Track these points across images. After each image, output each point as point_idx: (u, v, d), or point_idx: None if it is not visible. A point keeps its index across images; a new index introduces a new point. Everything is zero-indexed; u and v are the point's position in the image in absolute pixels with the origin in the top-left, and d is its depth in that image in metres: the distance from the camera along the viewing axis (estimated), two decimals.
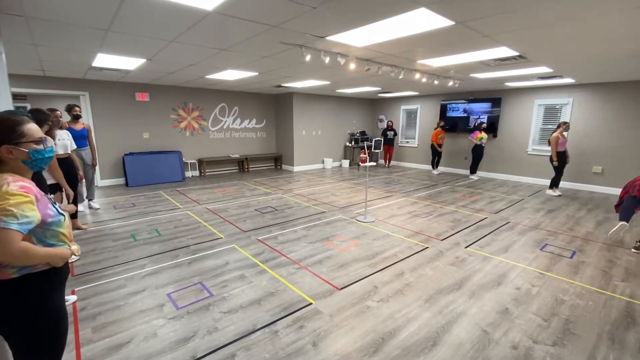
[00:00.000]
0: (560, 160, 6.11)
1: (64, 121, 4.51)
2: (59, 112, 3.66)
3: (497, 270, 3.06)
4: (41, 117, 2.93)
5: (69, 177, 3.80)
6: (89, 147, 4.96)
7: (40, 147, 1.18)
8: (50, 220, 1.16)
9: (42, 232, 1.15)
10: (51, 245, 1.19)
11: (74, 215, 4.07)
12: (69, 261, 1.36)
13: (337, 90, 8.41)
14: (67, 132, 3.88)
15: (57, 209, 1.23)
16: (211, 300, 2.53)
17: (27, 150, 1.14)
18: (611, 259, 3.34)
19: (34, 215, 1.09)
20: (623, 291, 2.71)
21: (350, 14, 2.63)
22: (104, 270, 3.01)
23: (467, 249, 3.59)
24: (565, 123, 6.00)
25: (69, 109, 4.61)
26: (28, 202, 1.07)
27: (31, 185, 1.13)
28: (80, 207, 5.04)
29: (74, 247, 1.34)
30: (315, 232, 4.10)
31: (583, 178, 6.85)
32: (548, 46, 3.60)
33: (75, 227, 4.09)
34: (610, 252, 3.52)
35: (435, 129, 8.61)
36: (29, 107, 7.96)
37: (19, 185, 1.08)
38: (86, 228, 4.17)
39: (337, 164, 10.45)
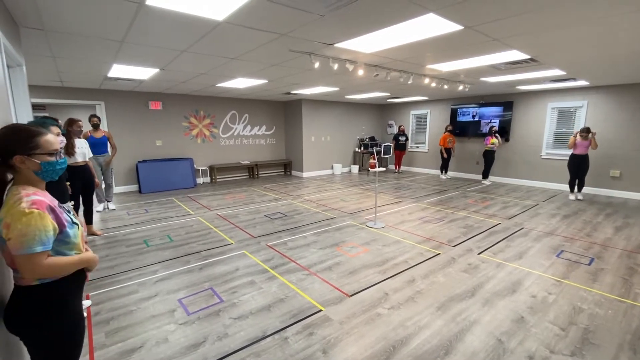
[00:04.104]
0: (570, 164, 6.12)
1: (86, 130, 5.06)
2: (81, 122, 3.82)
3: (512, 278, 2.99)
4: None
5: (86, 183, 3.94)
6: (108, 153, 5.41)
7: (53, 159, 1.19)
8: (64, 230, 1.18)
9: (57, 243, 1.15)
10: (66, 256, 1.21)
11: (89, 221, 4.18)
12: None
13: (346, 96, 8.44)
14: (85, 141, 4.01)
15: (71, 218, 1.24)
16: (221, 306, 2.54)
17: (38, 162, 1.15)
18: (631, 266, 3.23)
19: (52, 228, 1.11)
20: None
21: (358, 21, 2.65)
22: (117, 276, 3.07)
23: (480, 255, 3.52)
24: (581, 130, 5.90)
25: (89, 119, 5.18)
26: (43, 217, 1.09)
27: (43, 197, 1.14)
28: (100, 207, 5.37)
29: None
30: (325, 238, 4.09)
31: (600, 182, 6.66)
32: (560, 49, 3.55)
33: (90, 233, 4.18)
34: (631, 259, 3.40)
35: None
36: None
37: (31, 201, 1.08)
38: (100, 234, 4.26)
39: (346, 169, 10.44)
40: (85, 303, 2.56)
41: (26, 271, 1.08)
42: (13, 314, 1.15)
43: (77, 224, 1.26)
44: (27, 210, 1.06)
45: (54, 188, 1.34)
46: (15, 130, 1.16)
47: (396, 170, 10.15)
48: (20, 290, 1.15)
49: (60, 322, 1.19)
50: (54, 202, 1.21)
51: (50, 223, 1.10)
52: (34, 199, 1.10)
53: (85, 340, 2.12)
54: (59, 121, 3.45)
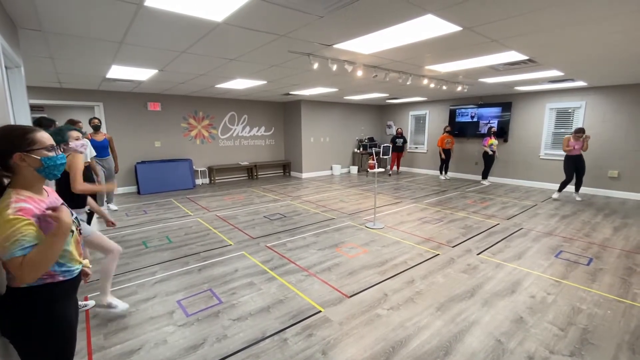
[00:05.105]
0: (566, 165, 6.11)
1: (87, 132, 5.08)
2: (80, 123, 3.83)
3: (511, 278, 2.99)
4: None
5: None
6: (110, 156, 5.37)
7: (52, 153, 1.19)
8: None
9: None
10: (60, 264, 1.19)
11: (88, 223, 4.15)
12: (85, 267, 1.38)
13: (345, 97, 8.45)
14: (87, 141, 4.02)
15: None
16: (220, 307, 2.53)
17: (39, 158, 1.15)
18: (630, 266, 3.23)
19: (33, 234, 1.08)
20: None
21: (356, 23, 2.66)
22: (116, 277, 3.05)
23: (479, 256, 3.52)
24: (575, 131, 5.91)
25: (89, 121, 5.12)
26: (25, 224, 1.07)
27: (31, 205, 1.11)
28: None
29: (85, 261, 1.35)
30: (324, 238, 4.08)
31: (598, 183, 6.68)
32: (558, 49, 3.56)
33: None
34: (629, 259, 3.40)
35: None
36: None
37: (18, 208, 1.07)
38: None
39: (345, 170, 10.44)
40: (89, 303, 2.56)
41: (15, 274, 1.08)
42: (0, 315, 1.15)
43: (72, 231, 1.23)
44: (11, 217, 1.05)
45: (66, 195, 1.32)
46: (9, 130, 1.16)
47: (391, 171, 10.10)
48: (9, 292, 1.15)
49: (45, 325, 1.17)
50: (45, 211, 1.17)
51: (32, 230, 1.08)
52: (22, 206, 1.08)
53: (84, 342, 2.11)
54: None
